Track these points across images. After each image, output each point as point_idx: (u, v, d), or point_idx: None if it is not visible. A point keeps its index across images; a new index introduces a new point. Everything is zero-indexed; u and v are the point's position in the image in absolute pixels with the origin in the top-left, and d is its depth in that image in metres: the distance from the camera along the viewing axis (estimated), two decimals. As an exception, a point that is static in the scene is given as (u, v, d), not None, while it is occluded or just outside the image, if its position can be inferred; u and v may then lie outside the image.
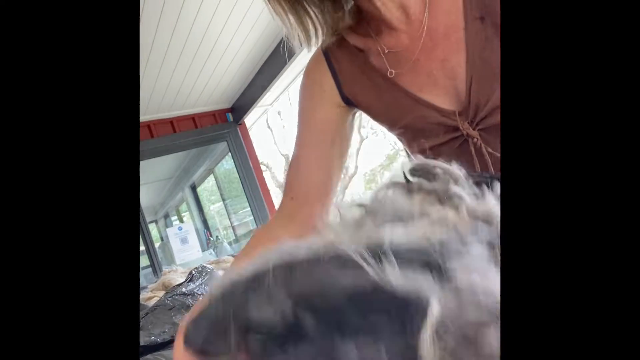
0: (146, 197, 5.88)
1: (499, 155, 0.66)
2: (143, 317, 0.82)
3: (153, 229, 7.01)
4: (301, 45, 0.75)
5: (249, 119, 4.34)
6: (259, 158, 4.43)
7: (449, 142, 0.70)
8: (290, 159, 0.83)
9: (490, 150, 0.67)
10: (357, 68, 0.76)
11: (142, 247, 3.68)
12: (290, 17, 0.71)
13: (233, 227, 5.11)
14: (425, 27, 0.70)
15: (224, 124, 4.19)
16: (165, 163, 4.81)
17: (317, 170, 0.78)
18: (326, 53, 0.79)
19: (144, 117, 3.73)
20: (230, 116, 4.23)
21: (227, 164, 4.76)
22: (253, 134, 4.51)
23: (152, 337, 0.73)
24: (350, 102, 0.78)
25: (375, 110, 0.77)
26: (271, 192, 4.42)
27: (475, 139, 0.68)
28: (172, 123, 3.94)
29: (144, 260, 3.75)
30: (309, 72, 0.82)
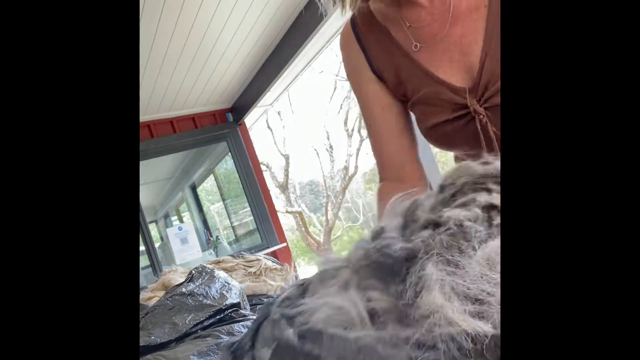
0: (146, 197, 5.87)
1: None
2: (143, 317, 0.82)
3: (153, 229, 7.00)
4: (334, 5, 0.77)
5: (249, 119, 4.34)
6: (259, 158, 4.42)
7: (456, 120, 0.71)
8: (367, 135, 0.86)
9: (495, 130, 0.68)
10: (381, 44, 0.78)
11: (142, 247, 3.68)
12: None
13: (233, 227, 5.10)
14: (450, 6, 0.71)
15: (224, 124, 4.19)
16: (165, 163, 4.80)
17: (394, 142, 0.81)
18: (355, 30, 0.81)
19: (144, 117, 3.73)
20: (230, 116, 4.23)
21: (227, 164, 4.76)
22: (253, 134, 4.50)
23: (152, 337, 0.73)
24: (381, 77, 0.80)
25: (393, 84, 0.79)
26: (271, 192, 4.41)
27: (482, 116, 0.68)
28: (172, 123, 3.94)
29: (144, 260, 3.75)
30: (343, 49, 0.84)
